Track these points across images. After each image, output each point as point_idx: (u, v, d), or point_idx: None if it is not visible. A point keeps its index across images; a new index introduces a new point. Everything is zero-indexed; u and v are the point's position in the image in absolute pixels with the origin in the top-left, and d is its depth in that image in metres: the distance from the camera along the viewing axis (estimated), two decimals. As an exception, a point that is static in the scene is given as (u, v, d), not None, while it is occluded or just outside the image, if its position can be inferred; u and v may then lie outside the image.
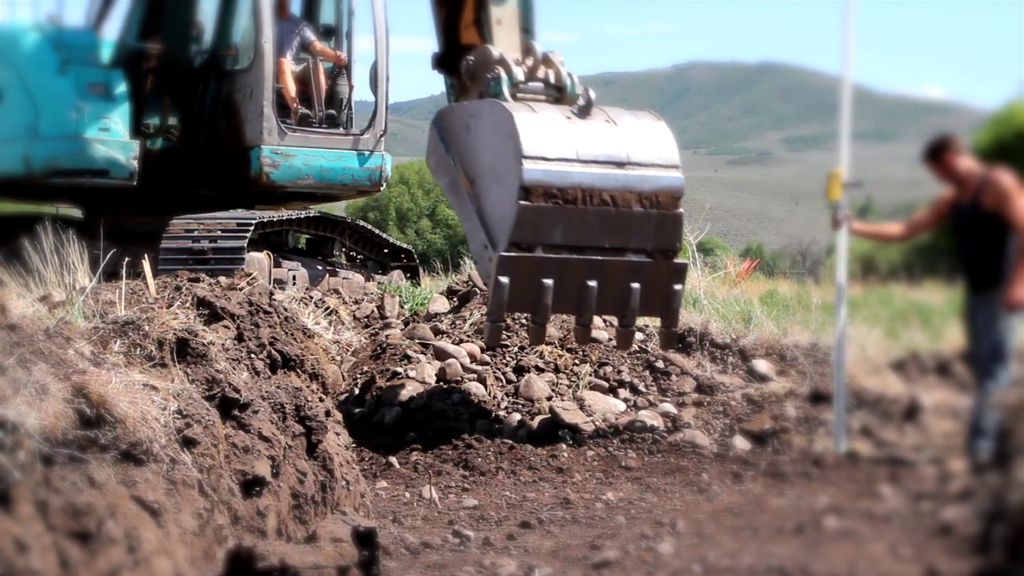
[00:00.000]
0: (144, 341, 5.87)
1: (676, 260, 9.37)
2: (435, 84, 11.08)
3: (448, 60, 10.48)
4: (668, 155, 9.38)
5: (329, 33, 13.53)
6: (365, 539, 5.33)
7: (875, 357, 9.96)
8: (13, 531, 4.20)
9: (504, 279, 8.91)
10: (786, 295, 13.88)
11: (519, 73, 9.74)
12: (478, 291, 11.97)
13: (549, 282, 8.98)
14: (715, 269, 15.59)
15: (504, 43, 10.05)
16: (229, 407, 5.87)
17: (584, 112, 9.40)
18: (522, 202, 8.87)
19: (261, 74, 12.36)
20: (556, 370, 10.62)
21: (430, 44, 10.79)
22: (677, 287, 9.36)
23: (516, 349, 10.92)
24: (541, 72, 9.89)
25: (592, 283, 9.10)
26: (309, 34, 13.21)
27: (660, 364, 10.37)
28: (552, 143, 9.06)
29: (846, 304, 7.94)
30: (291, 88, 12.72)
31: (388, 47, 12.92)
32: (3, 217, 13.85)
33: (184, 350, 5.97)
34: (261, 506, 5.76)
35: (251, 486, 5.73)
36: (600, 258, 9.13)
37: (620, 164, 9.18)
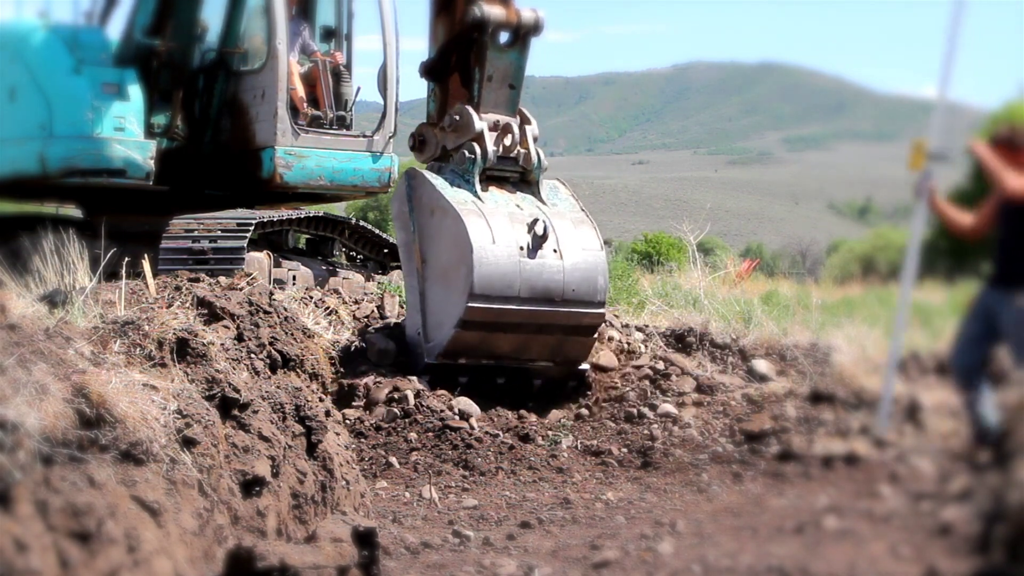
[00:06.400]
0: (144, 341, 5.87)
1: (580, 367, 10.17)
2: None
3: (438, 72, 10.59)
4: (597, 293, 10.09)
5: (329, 35, 13.52)
6: (365, 539, 5.34)
7: (875, 357, 9.95)
8: (13, 531, 4.20)
9: (424, 378, 9.86)
10: (786, 295, 13.89)
11: (493, 156, 10.17)
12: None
13: (463, 379, 9.87)
14: (715, 269, 15.60)
15: (488, 101, 10.29)
16: (229, 407, 5.88)
17: (539, 242, 9.89)
18: (458, 329, 9.70)
19: (275, 75, 12.35)
20: (556, 370, 10.62)
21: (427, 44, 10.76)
22: (572, 384, 10.15)
23: (516, 349, 10.93)
24: (515, 152, 10.29)
25: (500, 381, 9.98)
26: (309, 39, 13.20)
27: (660, 364, 10.35)
28: (500, 282, 9.73)
29: (911, 283, 7.59)
30: (299, 89, 12.72)
31: (398, 50, 12.92)
32: (3, 217, 13.83)
33: (184, 350, 5.97)
34: (261, 506, 5.76)
35: (251, 486, 5.73)
36: (512, 366, 10.02)
37: (554, 301, 9.90)
